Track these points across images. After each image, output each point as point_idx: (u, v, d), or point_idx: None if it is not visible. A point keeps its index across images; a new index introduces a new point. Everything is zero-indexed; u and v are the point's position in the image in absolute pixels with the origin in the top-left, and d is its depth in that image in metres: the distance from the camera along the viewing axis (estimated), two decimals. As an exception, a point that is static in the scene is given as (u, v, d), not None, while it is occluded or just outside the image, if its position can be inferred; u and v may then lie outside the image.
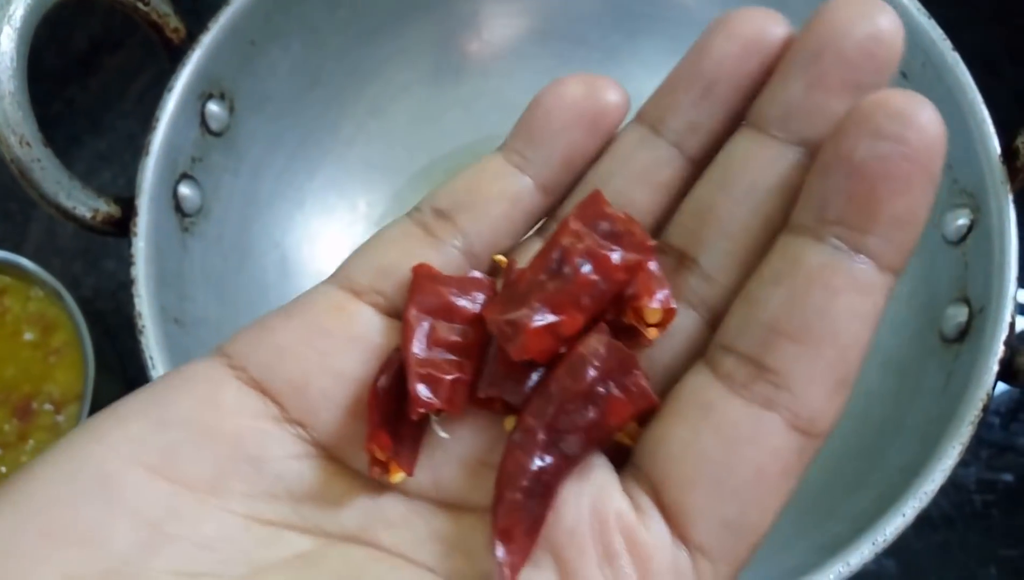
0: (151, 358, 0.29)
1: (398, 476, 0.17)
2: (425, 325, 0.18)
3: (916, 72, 0.33)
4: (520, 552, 0.16)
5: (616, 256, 0.17)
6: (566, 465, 0.17)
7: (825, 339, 0.16)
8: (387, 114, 0.40)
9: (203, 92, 0.34)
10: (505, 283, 0.19)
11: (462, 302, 0.18)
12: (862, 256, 0.16)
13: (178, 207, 0.33)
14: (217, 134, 0.35)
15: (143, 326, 0.29)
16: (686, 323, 0.18)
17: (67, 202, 0.30)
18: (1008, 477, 0.41)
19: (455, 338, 0.18)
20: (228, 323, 0.35)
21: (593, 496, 0.17)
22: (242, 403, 0.17)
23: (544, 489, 0.16)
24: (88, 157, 0.50)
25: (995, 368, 0.28)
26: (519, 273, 0.18)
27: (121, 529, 0.15)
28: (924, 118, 0.16)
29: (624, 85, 0.43)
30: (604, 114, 0.19)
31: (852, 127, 0.16)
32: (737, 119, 0.19)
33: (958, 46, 0.32)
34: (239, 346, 0.18)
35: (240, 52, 0.35)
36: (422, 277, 0.18)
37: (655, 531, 0.16)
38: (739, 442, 0.16)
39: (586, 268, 0.17)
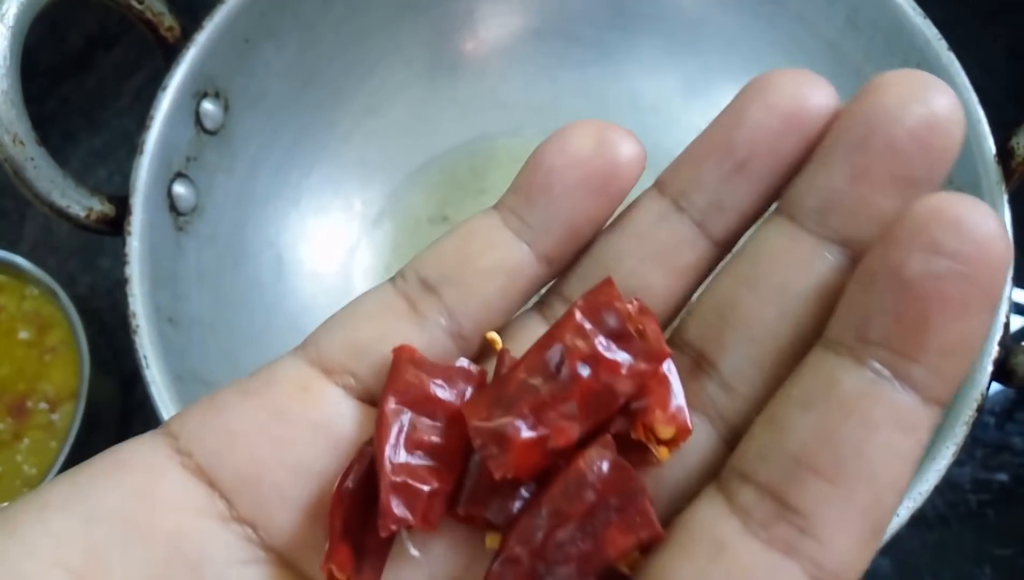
0: (145, 358, 0.29)
1: None
2: (403, 420, 0.16)
3: (911, 72, 0.33)
4: None
5: (624, 363, 0.15)
6: None
7: (859, 480, 0.14)
8: (383, 113, 0.40)
9: (198, 91, 0.34)
10: (495, 377, 0.17)
11: (446, 396, 0.16)
12: (907, 386, 0.14)
13: (172, 206, 0.33)
14: (212, 133, 0.34)
15: (137, 326, 0.29)
16: (700, 438, 0.16)
17: (61, 201, 0.29)
18: (1003, 477, 0.41)
19: (435, 439, 0.16)
20: (222, 323, 0.35)
21: None
22: (184, 496, 0.15)
23: None
24: (83, 154, 0.50)
25: (989, 368, 0.28)
26: (511, 367, 0.16)
27: None
28: (987, 231, 0.13)
29: (619, 84, 0.43)
30: (616, 175, 0.17)
31: (903, 237, 0.14)
32: (770, 201, 0.17)
33: (953, 46, 0.32)
34: (188, 425, 0.16)
35: (235, 50, 0.35)
36: (404, 362, 0.16)
37: None
38: None
39: (587, 373, 0.15)
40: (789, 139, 0.16)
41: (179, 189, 0.33)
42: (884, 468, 0.14)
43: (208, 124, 0.34)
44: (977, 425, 0.42)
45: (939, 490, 0.41)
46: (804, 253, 0.16)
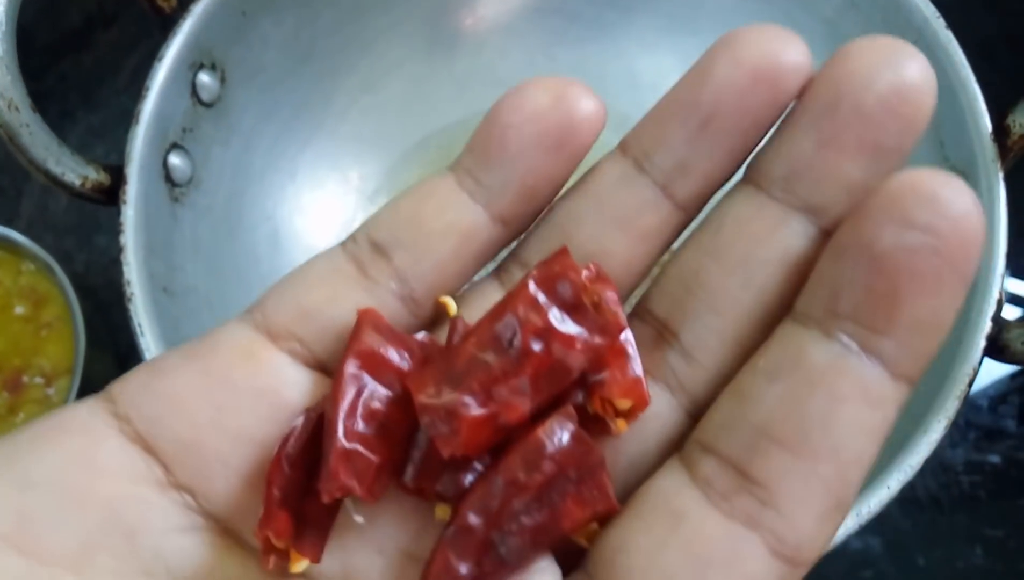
0: (139, 326, 0.29)
1: (300, 564, 0.15)
2: (360, 386, 0.15)
3: (909, 50, 0.33)
4: None
5: (578, 337, 0.15)
6: (504, 571, 0.15)
7: (823, 452, 0.14)
8: (380, 89, 0.40)
9: (194, 62, 0.34)
10: (446, 346, 0.16)
11: (403, 366, 0.15)
12: (875, 360, 0.14)
13: (168, 177, 0.33)
14: (208, 105, 0.34)
15: (132, 294, 0.29)
16: (661, 408, 0.16)
17: (56, 168, 0.29)
18: (995, 459, 0.42)
19: (387, 408, 0.15)
20: (218, 294, 0.35)
21: None
22: (121, 463, 0.15)
23: None
24: (81, 132, 0.50)
25: (982, 343, 0.28)
26: (461, 339, 0.15)
27: None
28: (961, 207, 0.13)
29: (618, 62, 0.43)
30: (574, 131, 0.16)
31: (876, 210, 0.14)
32: (737, 164, 0.16)
33: (951, 24, 0.32)
34: (128, 390, 0.15)
35: (232, 23, 0.35)
36: (366, 326, 0.15)
37: None
38: (711, 564, 0.14)
39: (539, 347, 0.15)
40: (757, 96, 0.15)
41: (175, 160, 0.33)
42: (849, 442, 0.14)
43: (204, 96, 0.34)
44: (971, 408, 0.42)
45: (932, 472, 0.42)
46: (770, 222, 0.15)
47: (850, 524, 0.26)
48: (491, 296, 0.17)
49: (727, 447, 0.15)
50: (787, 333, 0.15)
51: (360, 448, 0.15)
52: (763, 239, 0.15)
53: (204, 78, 0.34)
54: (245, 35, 0.35)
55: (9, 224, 0.41)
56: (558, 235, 0.17)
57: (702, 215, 0.17)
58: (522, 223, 0.17)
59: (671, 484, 0.15)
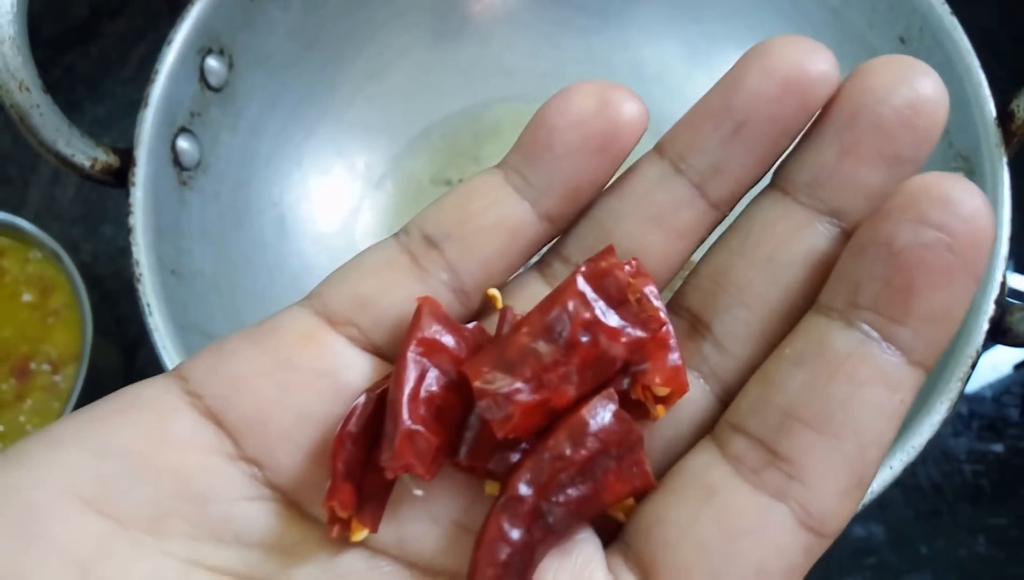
0: (148, 305, 0.29)
1: (360, 534, 0.16)
2: (421, 370, 0.16)
3: (914, 37, 0.33)
4: None
5: (622, 330, 0.16)
6: (551, 539, 0.16)
7: (845, 432, 0.15)
8: (385, 77, 0.41)
9: (202, 47, 0.34)
10: (497, 333, 0.17)
11: (458, 353, 0.17)
12: (893, 348, 0.15)
13: (176, 160, 0.33)
14: (216, 90, 0.35)
15: (140, 274, 0.29)
16: (695, 394, 0.17)
17: (66, 149, 0.30)
18: (998, 448, 0.42)
19: (444, 392, 0.16)
20: (225, 279, 0.35)
21: (575, 574, 0.16)
22: (193, 435, 0.16)
23: (524, 564, 0.15)
24: (88, 123, 0.50)
25: (985, 326, 0.28)
26: (513, 328, 0.16)
27: (44, 569, 0.14)
28: (972, 207, 0.14)
29: (623, 52, 0.43)
30: (617, 135, 0.17)
31: (894, 210, 0.15)
32: (766, 167, 0.17)
33: (955, 10, 0.32)
34: (197, 370, 0.16)
35: (240, 8, 0.35)
36: (427, 314, 0.17)
37: None
38: (742, 533, 0.15)
39: (586, 339, 0.16)
40: (787, 104, 0.16)
41: (183, 144, 0.33)
42: (869, 422, 0.15)
43: (212, 81, 0.34)
44: (974, 398, 0.42)
45: (935, 461, 0.42)
46: (794, 223, 0.17)
47: (854, 504, 0.26)
48: (534, 288, 0.18)
49: (756, 427, 0.16)
50: (811, 323, 0.16)
51: (421, 429, 0.16)
52: (788, 239, 0.17)
53: (212, 63, 0.34)
54: (252, 20, 0.35)
55: (16, 214, 0.41)
56: (598, 232, 0.18)
57: (731, 217, 0.18)
58: (566, 220, 0.18)
59: (703, 461, 0.16)
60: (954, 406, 0.27)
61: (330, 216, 0.40)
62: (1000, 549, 0.40)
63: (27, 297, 0.42)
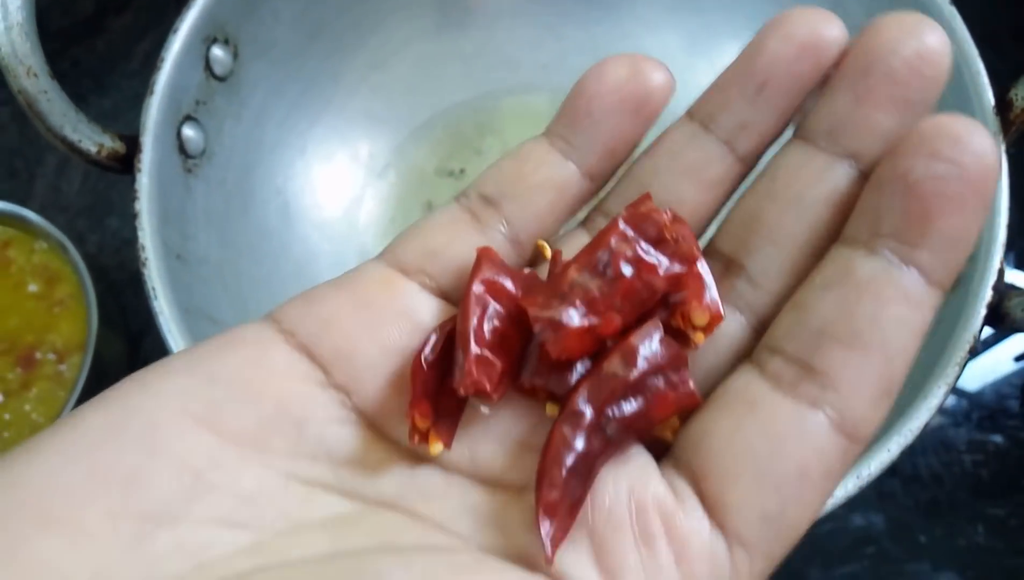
0: (153, 289, 0.29)
1: (436, 447, 0.17)
2: (484, 305, 0.18)
3: (912, 26, 0.33)
4: (561, 528, 0.16)
5: (661, 264, 0.18)
6: (609, 449, 0.17)
7: (874, 346, 0.16)
8: (389, 67, 0.41)
9: (208, 36, 0.34)
10: (550, 274, 0.19)
11: (514, 291, 0.18)
12: (913, 269, 0.16)
13: (182, 148, 0.34)
14: (221, 78, 0.35)
15: (146, 258, 0.30)
16: (732, 327, 0.18)
17: (73, 135, 0.30)
18: (998, 438, 0.42)
19: (504, 325, 0.18)
20: (230, 266, 0.35)
21: (632, 479, 0.17)
22: (289, 366, 0.18)
23: (586, 470, 0.17)
24: (93, 116, 0.50)
25: (983, 311, 0.28)
26: (564, 266, 0.18)
27: (164, 474, 0.16)
28: (980, 144, 0.16)
29: (625, 43, 0.43)
30: (648, 98, 0.19)
31: (911, 148, 0.16)
32: (787, 121, 0.19)
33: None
34: (288, 314, 0.18)
35: (245, -2, 0.35)
36: (486, 260, 0.19)
37: (693, 517, 0.16)
38: (784, 438, 0.16)
39: (629, 272, 0.18)
40: (804, 64, 0.18)
41: (188, 132, 0.34)
42: (895, 336, 0.16)
43: (217, 69, 0.35)
44: (974, 389, 0.42)
45: (934, 450, 0.42)
46: (817, 167, 0.18)
47: (850, 486, 0.27)
48: (581, 242, 0.20)
49: (791, 347, 0.17)
50: (837, 254, 0.17)
51: (488, 354, 0.17)
52: (813, 182, 0.18)
53: (217, 52, 0.35)
54: (257, 10, 0.36)
55: (23, 205, 0.41)
56: (637, 188, 0.20)
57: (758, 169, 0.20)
58: (605, 178, 0.20)
59: (744, 380, 0.17)
60: (953, 404, 0.28)
61: (334, 204, 0.40)
62: (999, 539, 0.40)
63: (33, 287, 0.42)
